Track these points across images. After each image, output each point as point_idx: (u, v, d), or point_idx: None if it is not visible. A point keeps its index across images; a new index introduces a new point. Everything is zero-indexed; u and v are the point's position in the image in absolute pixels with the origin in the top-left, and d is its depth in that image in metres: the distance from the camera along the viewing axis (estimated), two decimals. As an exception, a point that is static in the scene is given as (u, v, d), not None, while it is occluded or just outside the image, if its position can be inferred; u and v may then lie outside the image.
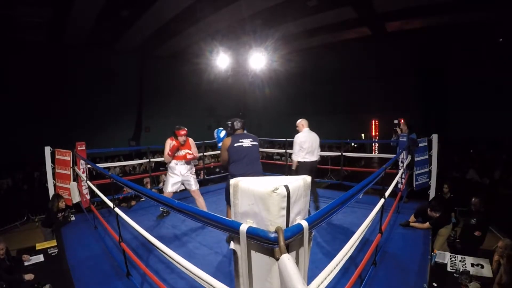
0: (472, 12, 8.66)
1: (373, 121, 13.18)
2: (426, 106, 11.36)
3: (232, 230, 1.11)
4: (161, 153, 9.76)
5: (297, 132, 4.10)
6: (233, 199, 1.21)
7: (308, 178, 1.26)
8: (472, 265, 2.96)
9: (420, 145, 4.63)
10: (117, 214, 2.48)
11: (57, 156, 4.58)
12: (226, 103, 15.80)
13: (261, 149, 5.35)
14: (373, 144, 12.80)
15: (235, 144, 3.00)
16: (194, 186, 3.98)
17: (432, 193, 4.51)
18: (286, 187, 1.07)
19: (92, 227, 3.86)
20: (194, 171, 4.09)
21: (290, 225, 1.08)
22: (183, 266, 1.53)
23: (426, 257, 2.91)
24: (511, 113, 9.30)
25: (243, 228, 1.05)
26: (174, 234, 3.65)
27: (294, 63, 12.42)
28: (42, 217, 5.59)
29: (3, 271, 2.84)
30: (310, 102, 14.75)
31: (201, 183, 6.17)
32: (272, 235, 0.95)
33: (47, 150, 4.49)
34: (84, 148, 4.59)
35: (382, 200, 2.40)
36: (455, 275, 2.80)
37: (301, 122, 4.10)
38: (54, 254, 3.39)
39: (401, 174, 4.15)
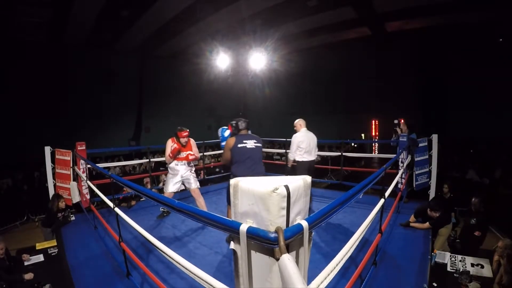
0: (472, 12, 8.65)
1: (373, 121, 13.17)
2: (426, 106, 11.36)
3: (232, 230, 1.11)
4: (161, 153, 9.77)
5: (295, 132, 4.14)
6: (233, 199, 1.21)
7: (308, 178, 1.26)
8: (472, 265, 2.96)
9: (420, 145, 4.63)
10: (117, 214, 2.48)
11: (57, 156, 4.58)
12: (226, 103, 15.80)
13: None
14: (373, 144, 12.79)
15: (239, 145, 2.99)
16: (194, 184, 3.99)
17: (432, 193, 4.51)
18: (286, 187, 1.07)
19: (92, 227, 3.86)
20: (194, 170, 4.10)
21: (290, 225, 1.08)
22: (183, 266, 1.53)
23: (426, 257, 2.91)
24: (511, 113, 9.30)
25: (243, 228, 1.05)
26: (174, 234, 3.65)
27: (294, 63, 12.41)
28: (42, 217, 5.59)
29: (2, 271, 2.84)
30: (310, 102, 14.74)
31: (201, 183, 6.15)
32: (272, 235, 0.95)
33: (47, 150, 4.48)
34: (84, 148, 4.59)
35: (382, 200, 2.40)
36: (455, 275, 2.80)
37: (299, 122, 4.15)
38: (54, 254, 3.39)
39: (401, 174, 4.15)
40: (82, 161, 4.38)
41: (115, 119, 12.58)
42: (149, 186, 5.77)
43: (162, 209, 4.31)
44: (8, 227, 6.15)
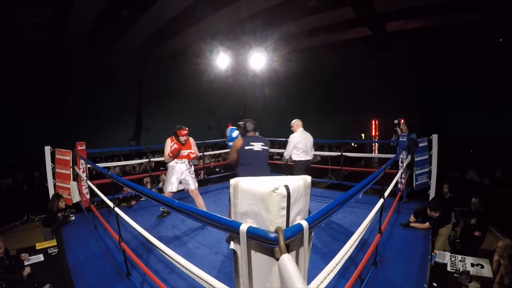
0: (472, 12, 8.65)
1: (373, 121, 13.17)
2: (426, 106, 11.36)
3: (232, 230, 1.11)
4: (161, 153, 9.76)
5: (292, 132, 4.18)
6: (233, 199, 1.21)
7: (308, 178, 1.26)
8: (472, 265, 2.96)
9: (420, 145, 4.63)
10: (117, 214, 2.48)
11: (57, 156, 4.58)
12: (226, 103, 15.79)
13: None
14: (373, 144, 12.79)
15: (246, 147, 2.99)
16: (192, 185, 3.99)
17: (432, 193, 4.51)
18: (286, 187, 1.07)
19: (92, 227, 3.86)
20: (193, 170, 4.10)
21: (290, 225, 1.08)
22: (183, 266, 1.53)
23: (426, 257, 2.91)
24: (511, 113, 9.30)
25: (243, 228, 1.05)
26: (174, 234, 3.65)
27: (294, 63, 12.41)
28: (42, 217, 5.59)
29: (2, 270, 2.84)
30: (310, 102, 14.74)
31: (201, 183, 6.17)
32: (272, 235, 0.95)
33: (47, 150, 4.48)
34: (84, 148, 4.59)
35: (382, 200, 2.40)
36: (455, 275, 2.80)
37: (296, 123, 4.19)
38: (54, 254, 3.38)
39: (401, 174, 4.15)
40: (82, 161, 4.38)
41: (115, 119, 12.58)
42: (149, 186, 5.77)
43: (162, 209, 4.31)
44: (8, 227, 6.15)
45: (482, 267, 2.93)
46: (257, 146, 3.02)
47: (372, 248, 2.39)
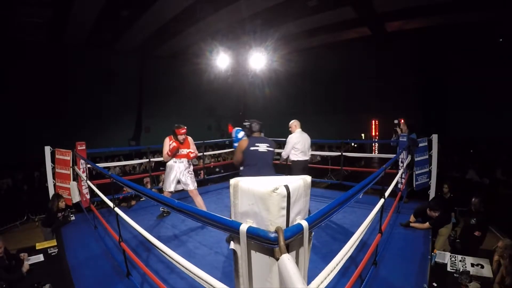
0: (472, 12, 8.65)
1: (373, 121, 13.17)
2: (426, 106, 11.36)
3: (232, 230, 1.11)
4: (161, 152, 9.75)
5: (290, 132, 4.22)
6: (233, 199, 1.21)
7: (308, 178, 1.26)
8: (472, 265, 2.96)
9: (420, 145, 4.63)
10: (117, 214, 2.48)
11: (57, 156, 4.58)
12: (226, 103, 15.79)
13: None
14: (373, 144, 12.79)
15: (251, 148, 2.99)
16: (191, 186, 3.98)
17: (432, 193, 4.51)
18: (286, 187, 1.07)
19: (92, 227, 3.86)
20: (192, 170, 4.09)
21: (290, 225, 1.08)
22: (183, 266, 1.53)
23: (426, 257, 2.91)
24: (511, 113, 9.30)
25: (243, 228, 1.05)
26: (174, 234, 3.65)
27: (294, 63, 12.41)
28: (42, 217, 5.59)
29: (2, 270, 2.83)
30: (310, 102, 14.74)
31: (201, 183, 6.18)
32: (272, 235, 0.95)
33: (47, 150, 4.48)
34: (84, 148, 4.59)
35: (382, 200, 2.40)
36: (455, 275, 2.80)
37: (294, 123, 4.24)
38: (54, 254, 3.38)
39: (401, 174, 4.15)
40: (82, 161, 4.38)
41: (115, 119, 12.58)
42: (149, 186, 5.77)
43: (162, 209, 4.31)
44: (8, 227, 6.15)
45: (482, 267, 2.93)
46: (262, 147, 3.02)
47: (372, 248, 2.39)
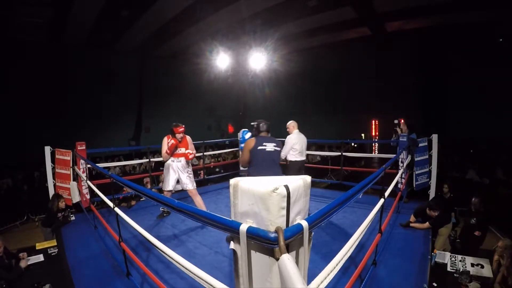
0: (472, 12, 8.65)
1: (373, 121, 13.17)
2: (426, 106, 11.36)
3: (232, 230, 1.11)
4: (161, 152, 9.75)
5: (287, 133, 4.27)
6: (233, 199, 1.21)
7: (308, 178, 1.26)
8: (472, 265, 2.96)
9: (420, 145, 4.63)
10: (117, 214, 2.48)
11: (57, 156, 4.58)
12: (226, 103, 15.79)
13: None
14: (373, 144, 12.79)
15: (259, 147, 2.99)
16: (190, 185, 3.98)
17: (432, 193, 4.51)
18: (286, 187, 1.07)
19: (92, 227, 3.86)
20: (191, 170, 4.09)
21: (290, 225, 1.08)
22: (183, 266, 1.53)
23: (426, 257, 2.91)
24: (511, 113, 9.30)
25: (243, 228, 1.05)
26: (174, 234, 3.65)
27: (294, 63, 12.41)
28: (42, 217, 5.59)
29: (2, 269, 2.83)
30: (310, 102, 14.74)
31: (201, 183, 6.18)
32: (272, 235, 0.95)
33: (47, 150, 4.48)
34: (84, 148, 4.58)
35: (382, 200, 2.40)
36: (455, 275, 2.80)
37: (292, 124, 4.30)
38: (54, 254, 3.38)
39: (401, 174, 4.15)
40: (82, 161, 4.38)
41: (115, 119, 12.58)
42: (149, 186, 5.77)
43: (162, 209, 4.31)
44: (8, 227, 6.15)
45: (482, 267, 2.93)
46: (270, 147, 3.02)
47: (372, 248, 2.39)
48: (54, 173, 4.60)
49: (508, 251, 2.74)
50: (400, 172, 3.96)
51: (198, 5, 8.40)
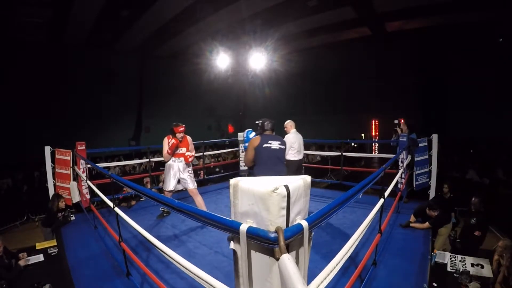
0: (472, 12, 8.66)
1: (373, 121, 13.18)
2: (426, 106, 11.36)
3: (232, 230, 1.11)
4: (161, 152, 9.75)
5: (285, 133, 4.30)
6: (233, 199, 1.21)
7: (308, 178, 1.26)
8: (472, 265, 2.96)
9: (420, 145, 4.63)
10: (117, 214, 2.48)
11: (57, 156, 4.58)
12: (226, 103, 15.80)
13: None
14: (373, 144, 12.80)
15: (264, 145, 2.98)
16: (191, 185, 3.98)
17: (432, 193, 4.51)
18: (286, 187, 1.07)
19: (92, 227, 3.86)
20: (191, 170, 4.09)
21: (290, 225, 1.08)
22: (183, 266, 1.53)
23: (426, 257, 2.91)
24: (511, 113, 9.30)
25: (243, 228, 1.05)
26: (174, 234, 3.65)
27: (294, 63, 12.42)
28: (42, 217, 5.59)
29: (3, 269, 2.83)
30: (310, 102, 14.75)
31: (201, 183, 6.17)
32: (272, 235, 0.95)
33: (47, 150, 4.48)
34: (84, 148, 4.59)
35: (382, 200, 2.40)
36: (455, 275, 2.80)
37: (289, 124, 4.35)
38: (54, 254, 3.38)
39: (401, 174, 4.15)
40: (82, 161, 4.38)
41: (115, 119, 12.58)
42: (149, 186, 5.77)
43: (162, 209, 4.31)
44: (8, 227, 6.15)
45: (482, 267, 2.93)
46: (275, 145, 3.01)
47: (372, 248, 2.39)
48: (54, 173, 4.60)
49: (508, 251, 2.74)
50: (400, 172, 3.96)
51: (198, 5, 8.40)
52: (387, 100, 11.86)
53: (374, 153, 11.70)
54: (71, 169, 4.47)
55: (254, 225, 1.08)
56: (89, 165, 4.53)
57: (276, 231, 0.95)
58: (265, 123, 3.12)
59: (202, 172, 6.61)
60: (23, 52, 9.62)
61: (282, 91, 13.69)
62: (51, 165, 4.54)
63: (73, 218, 4.30)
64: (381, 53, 11.79)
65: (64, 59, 10.63)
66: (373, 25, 10.42)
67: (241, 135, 6.35)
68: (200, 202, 3.98)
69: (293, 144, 4.13)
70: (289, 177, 1.27)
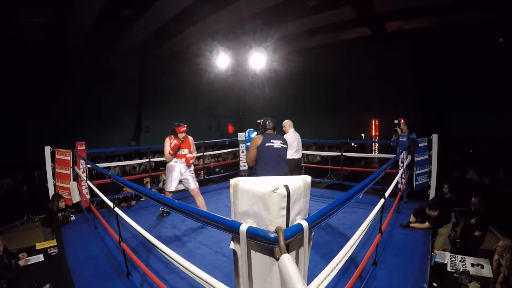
0: (472, 12, 8.66)
1: (373, 121, 13.18)
2: (426, 106, 11.36)
3: (232, 230, 1.11)
4: (161, 152, 9.76)
5: (284, 132, 4.34)
6: (233, 199, 1.21)
7: (308, 178, 1.26)
8: (472, 265, 2.96)
9: (420, 145, 4.62)
10: (117, 214, 2.48)
11: (57, 156, 4.58)
12: (226, 103, 15.80)
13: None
14: (373, 144, 12.80)
15: (266, 144, 2.97)
16: (193, 184, 3.97)
17: (432, 193, 4.51)
18: (286, 187, 1.07)
19: (92, 227, 3.86)
20: (193, 169, 4.08)
21: (290, 225, 1.08)
22: (183, 266, 1.53)
23: (426, 257, 2.91)
24: (511, 113, 9.30)
25: (243, 228, 1.05)
26: (174, 234, 3.65)
27: (294, 63, 12.42)
28: (42, 217, 5.59)
29: (3, 269, 2.83)
30: (310, 102, 14.75)
31: (201, 183, 6.16)
32: (272, 235, 0.95)
33: (47, 150, 4.48)
34: (84, 148, 4.59)
35: (382, 200, 2.40)
36: (455, 275, 2.80)
37: (288, 123, 4.40)
38: (54, 254, 3.38)
39: (401, 174, 4.15)
40: (82, 161, 4.38)
41: (115, 119, 12.58)
42: (149, 186, 5.77)
43: (162, 209, 4.31)
44: (8, 227, 6.15)
45: (482, 267, 2.93)
46: (277, 144, 3.01)
47: (372, 248, 2.39)
48: (54, 173, 4.60)
49: (508, 251, 2.74)
50: (400, 172, 3.96)
51: (198, 5, 8.40)
52: (387, 100, 11.86)
53: (374, 153, 11.70)
54: (71, 169, 4.47)
55: (254, 225, 1.08)
56: (89, 165, 4.53)
57: (276, 231, 0.95)
58: (267, 122, 3.12)
59: (202, 172, 6.61)
60: (23, 52, 9.62)
61: (282, 91, 13.69)
62: (51, 165, 4.54)
63: (73, 218, 4.30)
64: (381, 53, 11.80)
65: (64, 59, 10.63)
66: (373, 25, 10.42)
67: (241, 135, 6.35)
68: (201, 203, 3.97)
69: (292, 143, 4.17)
70: (289, 177, 1.27)
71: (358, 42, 11.83)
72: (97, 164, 4.58)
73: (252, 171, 3.13)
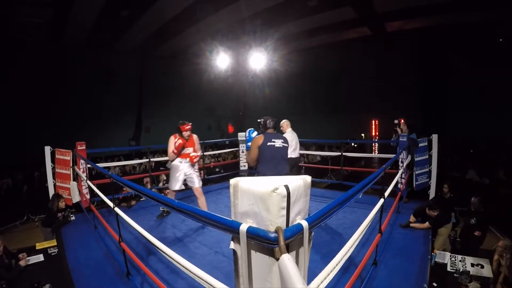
0: (472, 12, 8.66)
1: (373, 121, 13.18)
2: (426, 106, 11.36)
3: (232, 230, 1.11)
4: (161, 152, 9.76)
5: (281, 132, 4.41)
6: (233, 199, 1.21)
7: (308, 178, 1.26)
8: (472, 265, 2.96)
9: (420, 145, 4.62)
10: (117, 214, 2.48)
11: (57, 156, 4.58)
12: (226, 103, 15.80)
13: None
14: (373, 144, 12.80)
15: (268, 143, 2.97)
16: (197, 183, 3.94)
17: (432, 193, 4.51)
18: (286, 187, 1.07)
19: (92, 227, 3.86)
20: (197, 168, 4.07)
21: (290, 225, 1.08)
22: (183, 266, 1.53)
23: (426, 257, 2.91)
24: (511, 113, 9.30)
25: (243, 228, 1.05)
26: (174, 234, 3.65)
27: (294, 63, 12.42)
28: (42, 217, 5.59)
29: (3, 269, 2.83)
30: (310, 102, 14.74)
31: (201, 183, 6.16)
32: (272, 235, 0.95)
33: (47, 150, 4.49)
34: (84, 148, 4.58)
35: (382, 200, 2.40)
36: (455, 275, 2.80)
37: (285, 123, 4.47)
38: (54, 254, 3.38)
39: (401, 174, 4.15)
40: (82, 161, 4.38)
41: (115, 119, 12.58)
42: (149, 186, 5.77)
43: (162, 209, 4.31)
44: (8, 227, 6.15)
45: (482, 267, 2.93)
46: (278, 143, 3.01)
47: (372, 248, 2.39)
48: (54, 173, 4.60)
49: (508, 251, 2.73)
50: (400, 172, 3.96)
51: (198, 5, 8.40)
52: (387, 100, 11.86)
53: (374, 153, 11.69)
54: (71, 169, 4.47)
55: (254, 225, 1.08)
56: (89, 165, 4.53)
57: (276, 231, 0.95)
58: (268, 121, 3.12)
59: (202, 172, 6.61)
60: (23, 52, 9.62)
61: (282, 91, 13.69)
62: (51, 165, 4.54)
63: (73, 218, 4.30)
64: (381, 53, 11.79)
65: (64, 59, 10.63)
66: (373, 25, 10.42)
67: (241, 135, 6.35)
68: (203, 203, 3.96)
69: (291, 142, 4.17)
70: (289, 177, 1.27)
71: (358, 42, 11.83)
72: (97, 164, 4.58)
73: (252, 171, 3.13)
